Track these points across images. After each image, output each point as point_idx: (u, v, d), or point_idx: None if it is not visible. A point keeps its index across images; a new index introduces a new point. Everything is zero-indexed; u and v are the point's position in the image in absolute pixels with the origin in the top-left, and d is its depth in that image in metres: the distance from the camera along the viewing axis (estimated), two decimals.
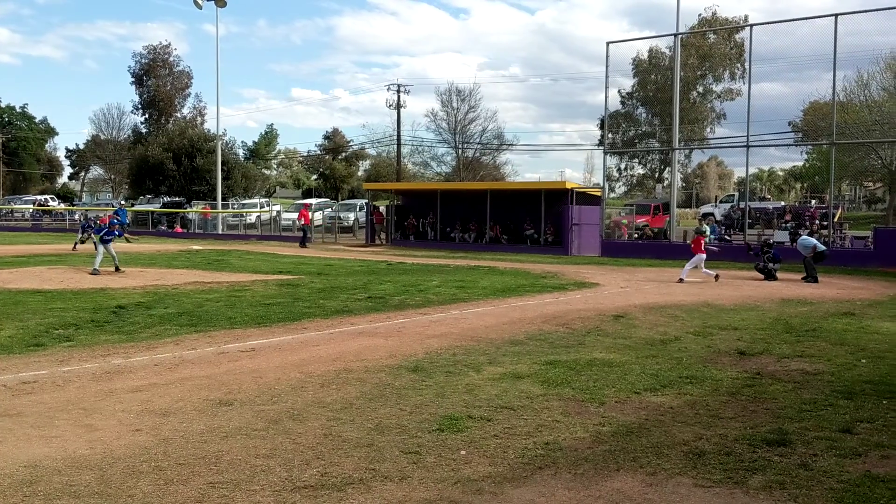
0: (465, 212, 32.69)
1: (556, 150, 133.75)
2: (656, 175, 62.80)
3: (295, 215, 39.66)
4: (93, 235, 25.13)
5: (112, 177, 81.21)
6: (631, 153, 62.99)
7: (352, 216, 43.18)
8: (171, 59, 71.22)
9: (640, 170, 65.20)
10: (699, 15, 57.71)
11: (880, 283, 18.55)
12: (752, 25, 28.50)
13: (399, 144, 63.00)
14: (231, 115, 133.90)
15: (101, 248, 18.50)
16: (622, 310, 12.40)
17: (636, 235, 31.11)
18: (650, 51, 58.66)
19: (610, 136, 56.00)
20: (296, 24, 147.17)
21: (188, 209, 47.25)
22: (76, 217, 45.71)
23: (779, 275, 18.71)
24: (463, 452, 5.28)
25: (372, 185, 51.14)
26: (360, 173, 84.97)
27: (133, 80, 70.58)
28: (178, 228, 43.67)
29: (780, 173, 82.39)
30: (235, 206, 48.49)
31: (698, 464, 5.08)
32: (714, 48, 57.23)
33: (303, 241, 32.87)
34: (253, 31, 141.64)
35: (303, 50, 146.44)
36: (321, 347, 9.25)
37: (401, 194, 37.69)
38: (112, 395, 6.80)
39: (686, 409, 6.46)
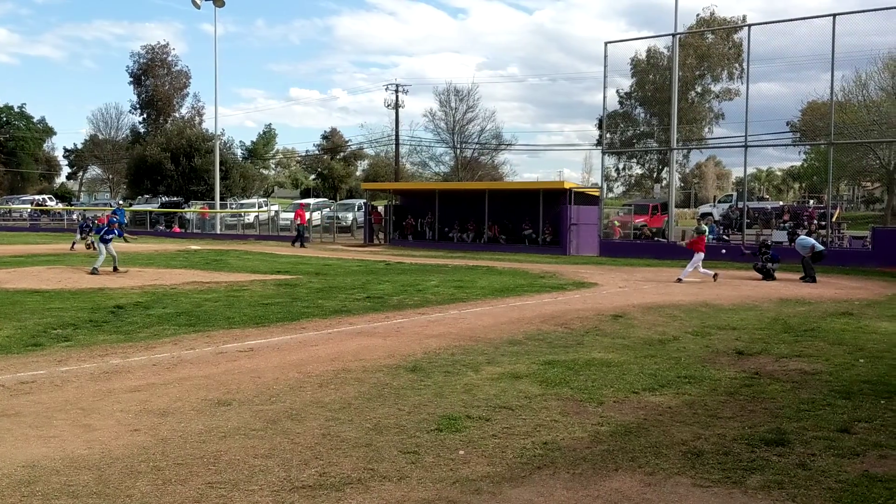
0: (464, 212, 32.69)
1: (554, 150, 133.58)
2: (654, 175, 62.84)
3: (293, 215, 39.65)
4: (91, 235, 25.18)
5: (110, 177, 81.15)
6: (629, 153, 63.02)
7: (350, 216, 43.16)
8: (170, 58, 71.17)
9: (638, 170, 65.26)
10: (697, 15, 57.80)
11: (878, 282, 18.57)
12: (750, 25, 28.49)
13: (397, 144, 62.99)
14: (229, 114, 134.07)
15: (102, 248, 18.48)
16: (621, 310, 12.41)
17: (633, 235, 31.11)
18: (648, 51, 58.75)
19: (608, 136, 56.02)
20: (294, 24, 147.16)
21: (186, 209, 47.22)
22: (74, 217, 45.68)
23: (777, 275, 18.73)
24: (461, 452, 5.28)
25: (370, 184, 51.20)
26: (358, 173, 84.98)
27: (131, 79, 70.50)
28: (176, 228, 43.64)
29: (779, 173, 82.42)
30: (233, 206, 48.47)
31: (697, 463, 5.08)
32: (712, 48, 57.28)
33: (295, 241, 32.84)
34: (251, 31, 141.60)
35: (301, 50, 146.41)
36: (319, 347, 9.24)
37: (399, 194, 37.69)
38: (110, 395, 6.79)
39: (684, 409, 6.47)
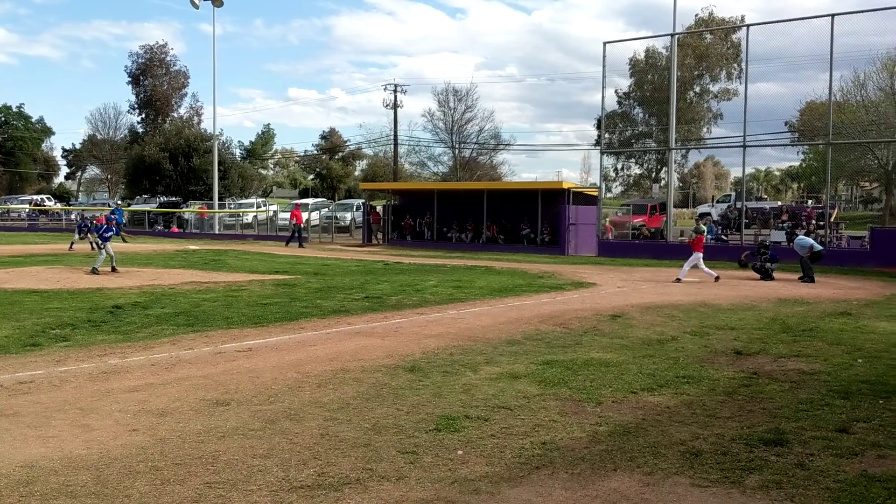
0: (462, 212, 32.69)
1: (552, 150, 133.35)
2: (653, 175, 62.87)
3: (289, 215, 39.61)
4: (90, 235, 25.15)
5: (108, 176, 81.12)
6: (628, 153, 63.04)
7: (348, 216, 43.14)
8: (168, 58, 71.12)
9: (636, 170, 65.29)
10: (696, 15, 57.84)
11: (877, 282, 18.59)
12: (748, 26, 28.52)
13: (396, 144, 62.98)
14: (228, 114, 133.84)
15: (103, 247, 18.44)
16: (619, 309, 12.41)
17: (632, 235, 31.12)
18: (647, 51, 58.76)
19: (607, 135, 56.03)
20: (293, 24, 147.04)
21: (184, 209, 47.19)
22: (72, 217, 45.65)
23: (776, 275, 18.74)
24: (460, 452, 5.28)
25: (369, 184, 51.15)
26: (356, 173, 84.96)
27: (130, 79, 70.42)
28: (175, 228, 43.61)
29: (777, 173, 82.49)
30: (232, 206, 48.44)
31: (695, 463, 5.09)
32: (711, 48, 57.32)
33: (289, 241, 32.77)
34: (250, 31, 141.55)
35: (300, 50, 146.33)
36: (318, 347, 9.24)
37: (398, 194, 37.68)
38: (109, 395, 6.79)
39: (683, 409, 6.47)
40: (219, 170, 46.23)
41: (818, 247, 19.50)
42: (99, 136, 79.74)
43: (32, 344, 9.21)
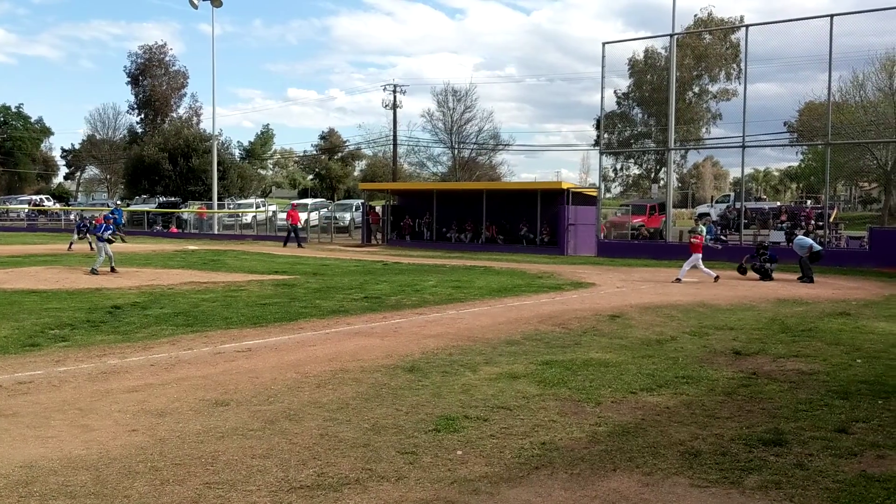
0: (462, 212, 32.69)
1: (551, 151, 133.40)
2: (652, 175, 62.94)
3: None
4: (88, 236, 25.14)
5: (107, 177, 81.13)
6: (627, 153, 63.08)
7: (348, 216, 43.14)
8: (167, 58, 71.19)
9: (635, 170, 65.39)
10: (695, 15, 57.95)
11: (876, 283, 18.60)
12: (747, 26, 28.51)
13: (395, 144, 63.01)
14: (227, 115, 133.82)
15: (101, 247, 18.43)
16: (618, 310, 12.41)
17: (631, 235, 31.11)
18: (646, 51, 58.87)
19: (606, 136, 56.04)
20: (291, 24, 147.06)
21: (183, 209, 47.18)
22: (72, 217, 45.62)
23: (775, 275, 18.74)
24: (459, 452, 5.28)
25: (368, 185, 51.13)
26: (356, 173, 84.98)
27: (129, 79, 70.48)
28: (174, 229, 43.59)
29: (776, 174, 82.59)
30: (231, 207, 48.42)
31: (694, 464, 5.09)
32: (710, 49, 57.40)
33: (286, 241, 32.74)
34: (249, 31, 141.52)
35: (299, 50, 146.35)
36: (317, 347, 9.24)
37: (397, 194, 37.69)
38: (108, 396, 6.79)
39: (682, 409, 6.47)
40: (218, 170, 46.21)
41: (817, 247, 19.50)
42: (98, 137, 79.78)
43: (31, 344, 9.20)
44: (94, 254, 19.33)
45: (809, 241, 19.67)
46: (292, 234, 32.87)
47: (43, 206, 58.65)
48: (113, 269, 18.02)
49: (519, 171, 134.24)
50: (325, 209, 44.21)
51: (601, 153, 35.01)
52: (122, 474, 4.78)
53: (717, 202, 42.90)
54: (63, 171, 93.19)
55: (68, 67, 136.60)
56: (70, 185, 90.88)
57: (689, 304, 13.47)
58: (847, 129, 38.21)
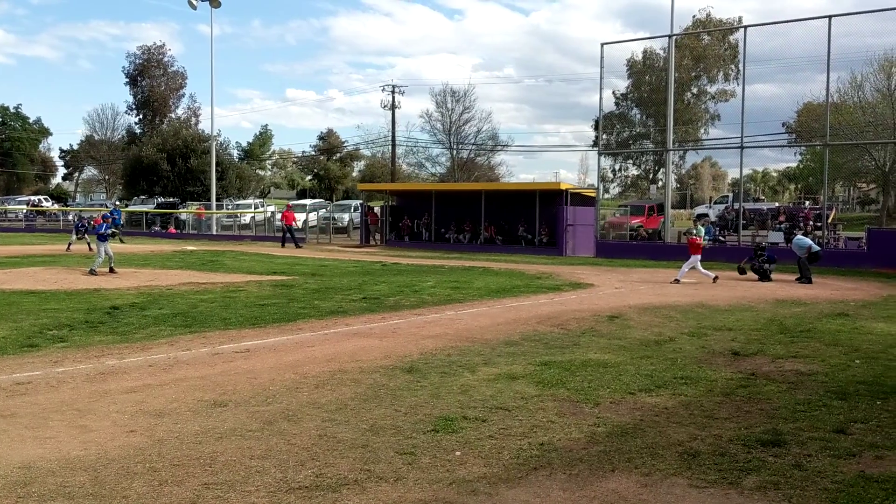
0: (460, 213, 32.69)
1: (550, 151, 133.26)
2: (650, 176, 62.98)
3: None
4: (87, 236, 25.13)
5: (106, 177, 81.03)
6: (625, 154, 63.10)
7: (346, 217, 43.14)
8: (166, 59, 71.17)
9: (634, 171, 65.43)
10: (693, 16, 58.03)
11: (874, 283, 18.62)
12: (746, 27, 28.56)
13: (394, 145, 63.02)
14: (225, 115, 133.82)
15: (101, 248, 18.42)
16: (617, 310, 12.42)
17: (629, 236, 31.11)
18: (644, 52, 58.89)
19: (604, 137, 55.98)
20: (290, 25, 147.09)
21: (182, 210, 47.15)
22: (70, 218, 45.59)
23: (773, 275, 18.75)
24: (458, 453, 5.27)
25: (366, 185, 51.09)
26: (354, 174, 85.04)
27: (127, 80, 70.43)
28: (172, 229, 43.56)
29: (774, 174, 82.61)
30: (230, 207, 48.41)
31: (693, 464, 5.09)
32: (708, 49, 57.45)
33: (283, 241, 32.69)
34: (247, 32, 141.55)
35: (297, 50, 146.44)
36: (316, 348, 9.23)
37: (395, 195, 37.69)
38: (106, 396, 6.78)
39: (681, 410, 6.48)
40: (216, 170, 46.22)
41: (816, 247, 19.51)
42: (96, 137, 79.70)
43: (30, 345, 9.20)
44: (92, 254, 19.31)
45: (808, 241, 19.68)
46: (288, 235, 32.85)
47: (41, 206, 58.60)
48: (112, 270, 18.01)
49: (517, 171, 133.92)
50: (324, 210, 44.19)
51: (599, 154, 35.04)
52: (121, 475, 4.78)
53: (715, 203, 42.90)
54: (61, 171, 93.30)
55: (67, 68, 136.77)
56: (68, 186, 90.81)
57: (688, 305, 13.48)
58: (845, 130, 38.21)
